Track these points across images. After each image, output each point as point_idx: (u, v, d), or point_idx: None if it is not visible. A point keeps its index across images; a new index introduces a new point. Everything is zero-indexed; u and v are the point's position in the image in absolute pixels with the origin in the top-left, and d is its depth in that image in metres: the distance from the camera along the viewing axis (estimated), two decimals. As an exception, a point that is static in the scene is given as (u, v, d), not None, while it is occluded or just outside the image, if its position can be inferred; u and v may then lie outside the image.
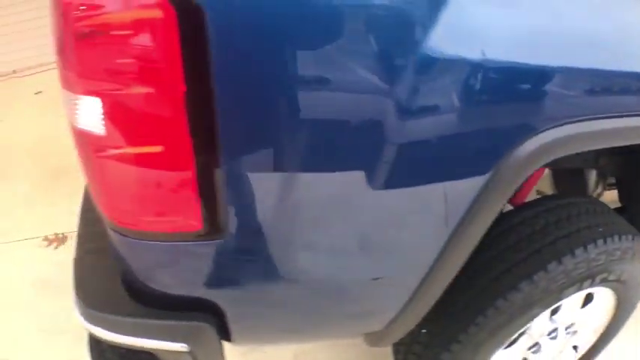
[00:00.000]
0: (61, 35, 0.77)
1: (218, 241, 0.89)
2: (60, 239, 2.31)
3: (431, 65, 0.80)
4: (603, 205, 1.36)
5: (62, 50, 0.79)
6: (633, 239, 1.26)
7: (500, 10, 0.86)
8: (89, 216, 1.20)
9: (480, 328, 1.20)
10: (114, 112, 0.76)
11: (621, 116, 1.00)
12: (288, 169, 0.85)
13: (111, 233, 0.95)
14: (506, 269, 1.17)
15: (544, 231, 1.20)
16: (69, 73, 0.78)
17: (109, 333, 0.98)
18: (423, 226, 0.99)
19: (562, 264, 1.18)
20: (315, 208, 0.90)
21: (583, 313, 1.42)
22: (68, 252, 2.13)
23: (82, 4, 0.71)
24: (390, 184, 0.89)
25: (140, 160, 0.80)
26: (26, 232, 2.37)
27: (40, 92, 3.62)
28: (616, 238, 1.24)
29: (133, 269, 0.99)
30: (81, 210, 1.29)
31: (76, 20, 0.72)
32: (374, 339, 1.21)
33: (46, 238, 2.32)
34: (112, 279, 1.03)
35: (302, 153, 0.84)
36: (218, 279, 0.97)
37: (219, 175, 0.82)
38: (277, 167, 0.84)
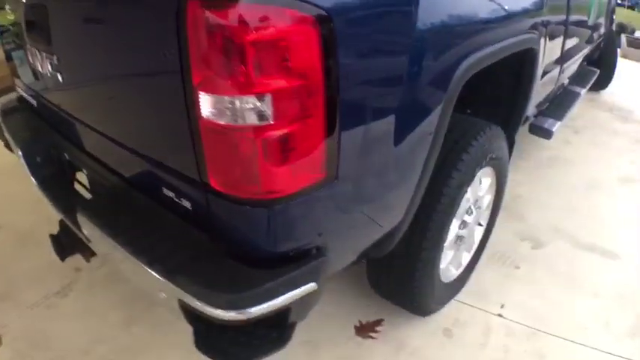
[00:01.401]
0: (231, 49, 0.95)
1: (331, 184, 1.16)
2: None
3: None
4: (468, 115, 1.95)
5: (228, 62, 0.96)
6: (494, 127, 1.88)
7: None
8: (143, 244, 1.26)
9: (439, 214, 1.66)
10: (280, 103, 0.99)
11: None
12: (372, 128, 1.23)
13: (242, 212, 1.10)
14: (441, 164, 1.64)
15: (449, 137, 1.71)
16: (237, 79, 0.97)
17: (260, 307, 1.10)
18: (420, 140, 1.42)
19: (469, 153, 1.71)
20: (380, 147, 1.28)
21: (480, 190, 1.99)
22: (10, 347, 2.06)
23: (252, 22, 0.93)
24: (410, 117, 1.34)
25: (296, 136, 1.03)
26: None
27: None
28: (487, 128, 1.82)
29: (263, 240, 1.14)
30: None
31: (250, 35, 0.94)
32: (386, 243, 1.57)
33: (-17, 342, 2.14)
34: (229, 266, 1.16)
35: (378, 115, 1.24)
36: (330, 216, 1.23)
37: (337, 138, 1.12)
38: (368, 129, 1.21)
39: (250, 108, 0.99)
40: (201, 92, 1.01)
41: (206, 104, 1.01)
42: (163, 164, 1.26)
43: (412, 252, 1.70)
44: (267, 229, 1.12)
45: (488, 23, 1.58)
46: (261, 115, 0.99)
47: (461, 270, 2.15)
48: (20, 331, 2.15)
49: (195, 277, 1.12)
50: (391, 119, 1.27)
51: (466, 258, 2.18)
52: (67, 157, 1.86)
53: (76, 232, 1.69)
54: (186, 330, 2.02)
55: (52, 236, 1.90)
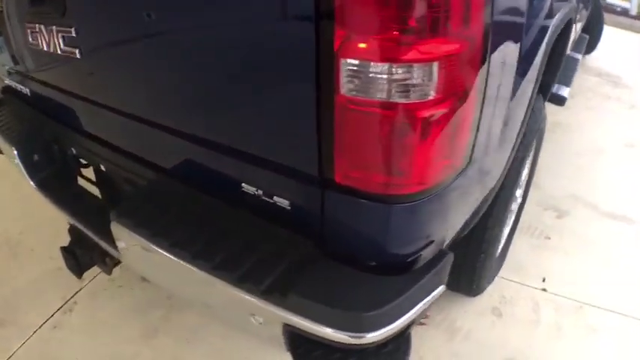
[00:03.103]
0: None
1: (466, 170, 0.98)
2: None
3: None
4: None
5: (384, 19, 0.74)
6: (539, 96, 1.73)
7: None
8: (219, 257, 1.01)
9: (504, 191, 1.52)
10: (444, 74, 0.78)
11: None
12: (501, 97, 1.05)
13: (376, 210, 0.90)
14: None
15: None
16: (393, 42, 0.74)
17: (400, 320, 0.91)
18: (524, 102, 1.31)
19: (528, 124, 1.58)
20: (499, 114, 1.11)
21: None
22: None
23: None
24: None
25: (454, 116, 0.84)
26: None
27: None
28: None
29: (395, 242, 0.95)
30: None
31: None
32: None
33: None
34: (351, 276, 0.94)
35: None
36: (455, 207, 1.05)
37: (479, 116, 0.94)
38: (499, 99, 1.04)
39: (408, 80, 0.77)
40: (343, 59, 0.78)
41: (349, 75, 0.78)
42: (253, 155, 1.01)
43: (477, 233, 1.56)
44: (402, 228, 0.91)
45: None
46: (421, 90, 0.78)
47: (502, 245, 2.04)
48: (27, 358, 1.89)
49: (312, 294, 0.89)
50: (510, 83, 1.09)
51: (505, 232, 2.07)
52: (75, 151, 1.61)
53: (94, 239, 1.46)
54: (214, 336, 1.83)
55: (63, 249, 1.64)
